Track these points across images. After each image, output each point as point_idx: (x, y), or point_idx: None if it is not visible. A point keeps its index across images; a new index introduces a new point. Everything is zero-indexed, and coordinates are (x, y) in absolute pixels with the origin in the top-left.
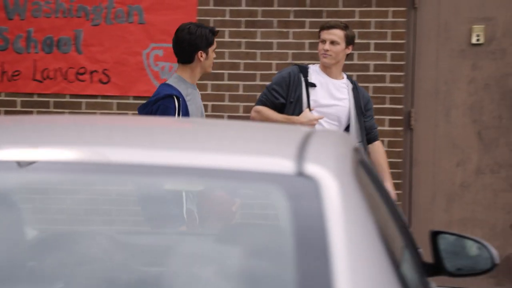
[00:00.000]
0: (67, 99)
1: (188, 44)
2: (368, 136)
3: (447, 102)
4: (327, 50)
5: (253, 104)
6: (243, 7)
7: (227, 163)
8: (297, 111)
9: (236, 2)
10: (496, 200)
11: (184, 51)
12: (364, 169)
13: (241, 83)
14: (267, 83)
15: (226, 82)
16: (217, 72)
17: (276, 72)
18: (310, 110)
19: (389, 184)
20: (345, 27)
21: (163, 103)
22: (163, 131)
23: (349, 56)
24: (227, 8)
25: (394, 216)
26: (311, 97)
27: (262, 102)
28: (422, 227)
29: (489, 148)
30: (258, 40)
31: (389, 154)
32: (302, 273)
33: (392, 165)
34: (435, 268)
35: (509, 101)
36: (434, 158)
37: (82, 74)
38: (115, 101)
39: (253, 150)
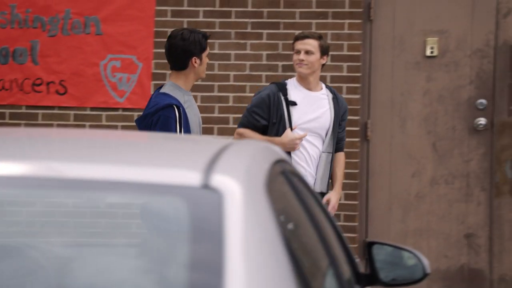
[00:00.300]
0: (23, 110)
1: (182, 51)
2: (336, 146)
3: (402, 113)
4: (302, 60)
5: (213, 115)
6: (201, 19)
7: (135, 175)
8: (281, 131)
9: (193, 13)
10: (450, 211)
11: (177, 58)
12: (288, 181)
13: (199, 94)
14: (224, 94)
15: None
16: None
17: (234, 83)
18: (292, 129)
19: (334, 195)
20: (319, 37)
21: (163, 114)
22: (71, 142)
23: None
24: (185, 20)
25: (322, 227)
26: (294, 116)
27: (243, 124)
28: (379, 237)
29: (444, 159)
30: (216, 51)
31: (345, 165)
32: (195, 286)
33: (348, 176)
34: (371, 278)
35: (462, 112)
36: (390, 169)
37: (38, 85)
38: (72, 112)
39: (162, 162)
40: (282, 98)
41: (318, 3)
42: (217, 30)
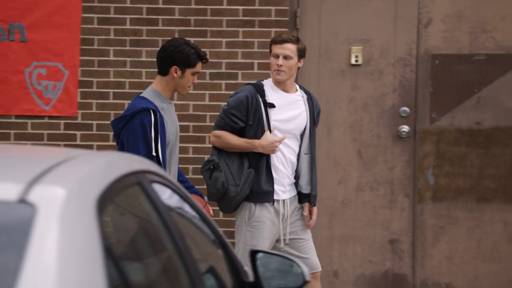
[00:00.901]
0: None
1: (166, 55)
2: None
3: (328, 121)
4: (281, 66)
5: None
6: (128, 26)
7: None
8: (259, 133)
9: (120, 21)
10: (375, 217)
11: (161, 61)
12: (145, 193)
13: (126, 101)
14: None
15: (111, 101)
16: (102, 91)
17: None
18: (270, 131)
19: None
20: (297, 40)
21: (139, 117)
22: None
23: (233, 76)
24: (112, 27)
25: (186, 239)
26: (272, 118)
27: (220, 126)
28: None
29: (369, 166)
30: (143, 59)
31: None
32: None
33: None
34: (255, 287)
35: (386, 120)
36: (318, 175)
37: None
38: None
39: None
40: (260, 100)
41: (244, 11)
42: (144, 38)
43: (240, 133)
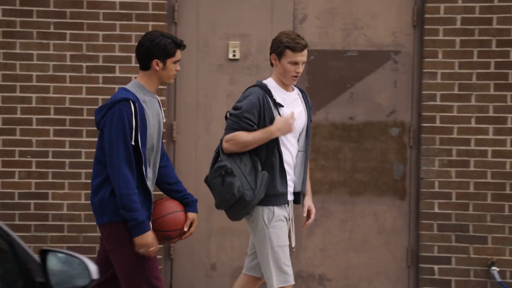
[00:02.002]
0: None
1: (145, 51)
2: None
3: (207, 115)
4: (300, 73)
5: (15, 116)
6: (0, 17)
7: None
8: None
9: None
10: None
11: (141, 57)
12: None
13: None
14: (27, 95)
15: None
16: None
17: (37, 84)
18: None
19: (310, 201)
20: (306, 41)
21: (118, 107)
22: None
23: (110, 69)
24: None
25: None
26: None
27: (234, 129)
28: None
29: None
30: (17, 51)
31: None
32: None
33: None
34: (46, 285)
35: None
36: (196, 169)
37: None
38: None
39: None
40: (270, 100)
41: (121, 4)
42: (18, 29)
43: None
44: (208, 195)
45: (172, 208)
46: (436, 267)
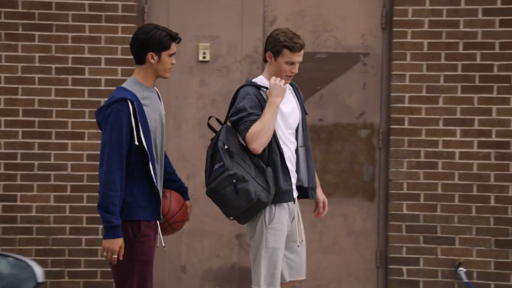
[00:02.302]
0: None
1: (139, 44)
2: None
3: (177, 117)
4: (295, 73)
5: None
6: None
7: None
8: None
9: None
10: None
11: (135, 51)
12: None
13: None
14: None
15: None
16: None
17: (5, 85)
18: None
19: (323, 194)
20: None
21: (116, 107)
22: None
23: (79, 71)
24: None
25: None
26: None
27: (248, 128)
28: None
29: None
30: None
31: None
32: None
33: None
34: None
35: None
36: None
37: None
38: None
39: None
40: (264, 95)
41: (90, 6)
42: None
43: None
44: None
45: (181, 201)
46: (404, 268)
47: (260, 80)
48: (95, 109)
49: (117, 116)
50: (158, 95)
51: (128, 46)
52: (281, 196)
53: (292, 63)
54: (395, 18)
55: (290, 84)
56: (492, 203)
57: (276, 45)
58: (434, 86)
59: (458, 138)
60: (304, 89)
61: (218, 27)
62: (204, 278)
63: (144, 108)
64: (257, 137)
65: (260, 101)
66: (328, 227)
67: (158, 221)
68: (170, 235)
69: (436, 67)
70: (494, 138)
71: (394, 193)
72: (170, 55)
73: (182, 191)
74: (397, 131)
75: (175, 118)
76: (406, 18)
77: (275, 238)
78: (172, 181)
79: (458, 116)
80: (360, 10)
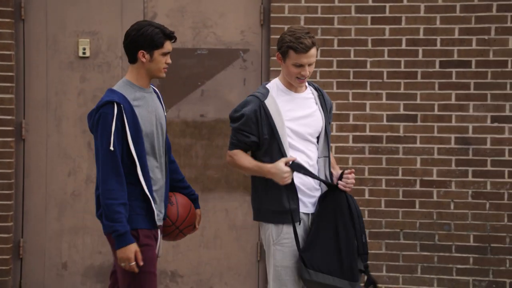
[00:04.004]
0: None
1: (130, 41)
2: None
3: (58, 113)
4: (307, 76)
5: None
6: None
7: None
8: (275, 145)
9: None
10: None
11: (126, 49)
12: None
13: None
14: None
15: None
16: None
17: None
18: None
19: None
20: (314, 40)
21: (103, 111)
22: None
23: None
24: None
25: None
26: (286, 123)
27: (234, 145)
28: (35, 237)
29: None
30: None
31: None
32: None
33: (3, 176)
34: None
35: None
36: (46, 168)
37: None
38: None
39: None
40: (269, 109)
41: None
42: None
43: (257, 146)
44: (59, 193)
45: (188, 204)
46: None
47: (274, 84)
48: None
49: (105, 120)
50: (158, 96)
51: (7, 41)
52: (285, 216)
53: (301, 65)
54: (272, 15)
55: (316, 88)
56: (367, 196)
57: (282, 46)
58: (310, 82)
59: (334, 133)
60: (185, 85)
61: (98, 23)
62: (86, 275)
63: (136, 109)
64: (231, 162)
65: (259, 117)
66: (210, 221)
67: (159, 230)
68: None
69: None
70: (368, 133)
71: None
72: (164, 54)
73: (193, 199)
74: None
75: (55, 114)
76: (283, 15)
77: (283, 255)
78: (181, 188)
79: (334, 111)
80: (239, 7)
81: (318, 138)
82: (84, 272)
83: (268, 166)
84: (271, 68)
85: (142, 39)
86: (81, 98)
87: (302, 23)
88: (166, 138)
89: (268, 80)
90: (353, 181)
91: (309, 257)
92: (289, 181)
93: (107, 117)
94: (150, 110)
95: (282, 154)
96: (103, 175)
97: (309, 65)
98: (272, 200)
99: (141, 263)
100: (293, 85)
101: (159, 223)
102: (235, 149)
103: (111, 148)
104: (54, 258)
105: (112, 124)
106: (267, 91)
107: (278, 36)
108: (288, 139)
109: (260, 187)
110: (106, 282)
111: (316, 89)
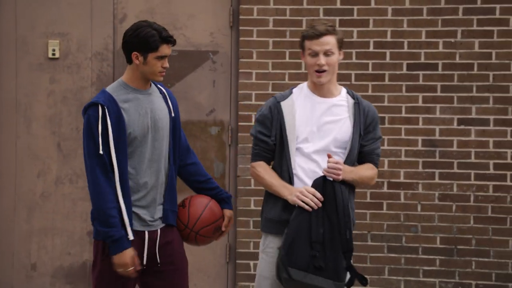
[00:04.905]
0: None
1: (125, 41)
2: (362, 160)
3: (28, 114)
4: (323, 65)
5: None
6: None
7: None
8: (284, 154)
9: None
10: (75, 209)
11: (122, 48)
12: None
13: None
14: None
15: None
16: None
17: None
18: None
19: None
20: (334, 30)
21: (88, 112)
22: None
23: None
24: None
25: None
26: (298, 133)
27: (256, 155)
28: (4, 238)
29: (68, 159)
30: None
31: None
32: None
33: None
34: None
35: None
36: (16, 169)
37: None
38: None
39: None
40: (283, 111)
41: None
42: None
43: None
44: (28, 195)
45: (202, 203)
46: (252, 262)
47: (300, 87)
48: None
49: (88, 123)
50: (165, 96)
51: None
52: (275, 226)
53: (316, 54)
54: (241, 17)
55: (354, 97)
56: None
57: (300, 39)
58: (279, 84)
59: None
60: None
61: (68, 24)
62: (55, 276)
63: (123, 112)
64: (254, 174)
65: (273, 115)
66: None
67: (146, 237)
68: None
69: (281, 65)
70: None
71: (242, 189)
72: (160, 58)
73: (220, 199)
74: (245, 128)
75: (25, 115)
76: (252, 17)
77: (264, 266)
78: (206, 190)
79: None
80: (208, 9)
81: (346, 149)
82: (53, 273)
83: (289, 189)
84: (240, 70)
85: (136, 41)
86: (51, 99)
87: (271, 25)
88: (179, 140)
89: (241, 84)
90: (334, 165)
91: (289, 253)
92: (298, 202)
93: (91, 119)
94: (143, 113)
95: (287, 161)
96: (92, 178)
97: (325, 54)
98: (268, 208)
99: (139, 268)
100: (319, 87)
101: (148, 228)
102: (258, 160)
103: (100, 152)
104: (23, 259)
105: (98, 127)
106: (290, 93)
107: (247, 38)
108: (298, 145)
109: (265, 195)
110: (75, 283)
111: (353, 97)
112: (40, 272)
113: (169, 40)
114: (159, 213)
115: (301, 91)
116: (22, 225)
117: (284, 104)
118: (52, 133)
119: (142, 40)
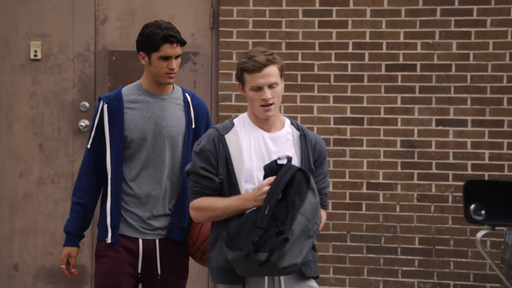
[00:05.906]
0: None
1: (136, 42)
2: None
3: (9, 115)
4: (269, 99)
5: None
6: None
7: None
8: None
9: None
10: (56, 210)
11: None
12: None
13: None
14: None
15: None
16: None
17: None
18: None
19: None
20: (274, 58)
21: (96, 106)
22: None
23: None
24: None
25: None
26: (245, 166)
27: (196, 193)
28: None
29: (50, 160)
30: None
31: None
32: None
33: None
34: None
35: (67, 114)
36: None
37: None
38: None
39: None
40: (229, 147)
41: None
42: None
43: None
44: (11, 195)
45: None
46: None
47: (241, 120)
48: None
49: (93, 115)
50: (187, 105)
51: None
52: (221, 276)
53: (259, 88)
54: (221, 18)
55: (299, 129)
56: None
57: (237, 71)
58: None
59: None
60: None
61: (49, 25)
62: (37, 276)
63: (126, 112)
64: (196, 212)
65: (218, 150)
66: None
67: (140, 245)
68: None
69: None
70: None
71: None
72: (163, 58)
73: None
74: None
75: (7, 116)
76: (232, 18)
77: None
78: None
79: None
80: (189, 10)
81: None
82: (35, 273)
83: (249, 194)
84: (220, 71)
85: (141, 40)
86: (33, 100)
87: (250, 26)
88: (187, 151)
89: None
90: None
91: (232, 234)
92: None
93: (94, 113)
94: (148, 117)
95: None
96: (80, 170)
97: (270, 87)
98: (216, 254)
99: (73, 270)
100: (261, 120)
101: (142, 236)
102: (198, 197)
103: (88, 146)
104: (5, 259)
105: (95, 121)
106: (232, 125)
107: (227, 40)
108: (246, 185)
109: (212, 238)
110: (57, 284)
111: (298, 128)
112: (22, 272)
113: (171, 39)
114: (159, 223)
115: (243, 123)
116: (4, 225)
117: (228, 138)
118: (34, 134)
119: (144, 39)
